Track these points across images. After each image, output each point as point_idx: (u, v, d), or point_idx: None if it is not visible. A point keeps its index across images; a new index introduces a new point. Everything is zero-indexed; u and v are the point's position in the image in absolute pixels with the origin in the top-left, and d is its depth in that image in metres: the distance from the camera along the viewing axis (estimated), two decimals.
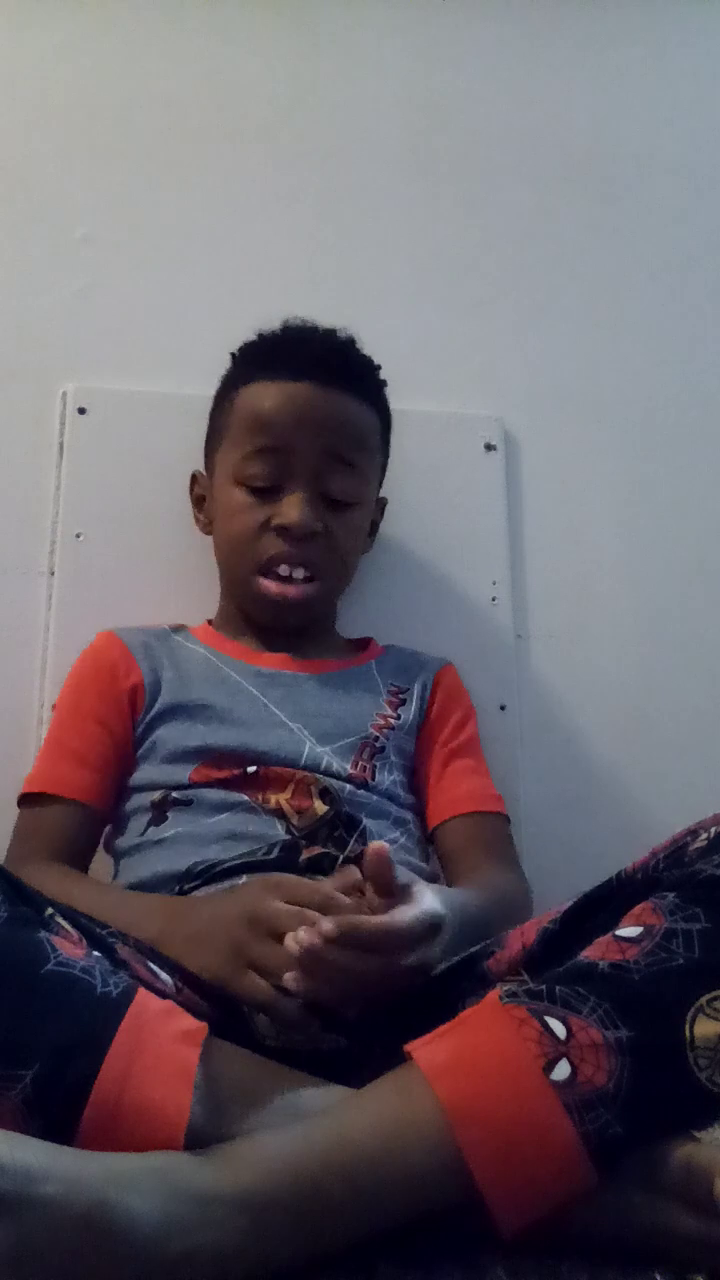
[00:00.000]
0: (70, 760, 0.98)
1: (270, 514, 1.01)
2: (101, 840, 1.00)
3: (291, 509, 1.00)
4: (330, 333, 1.07)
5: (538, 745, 1.20)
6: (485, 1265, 0.55)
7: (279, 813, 0.92)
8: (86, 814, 0.96)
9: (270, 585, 1.02)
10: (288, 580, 1.02)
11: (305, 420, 1.01)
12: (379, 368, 1.09)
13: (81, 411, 1.20)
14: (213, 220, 1.30)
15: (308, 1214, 0.53)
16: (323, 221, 1.33)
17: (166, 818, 0.94)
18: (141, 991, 0.61)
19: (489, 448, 1.28)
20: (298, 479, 1.01)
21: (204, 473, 1.12)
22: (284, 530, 1.00)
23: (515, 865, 1.01)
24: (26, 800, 0.97)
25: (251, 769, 0.94)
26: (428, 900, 0.70)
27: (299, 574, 1.02)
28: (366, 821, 0.93)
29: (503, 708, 1.19)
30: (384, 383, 1.10)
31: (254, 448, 1.02)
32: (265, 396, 1.02)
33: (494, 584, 1.24)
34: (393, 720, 1.03)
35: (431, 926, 0.70)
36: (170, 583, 1.16)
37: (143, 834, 0.94)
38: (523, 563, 1.26)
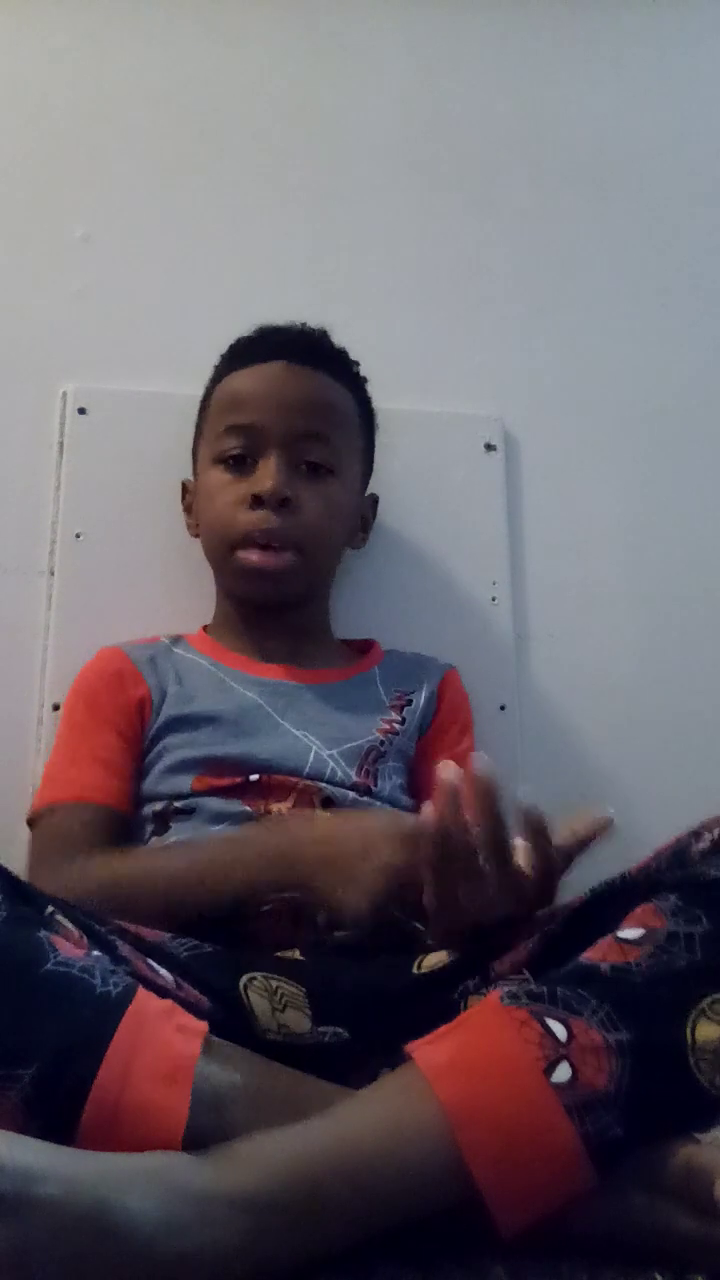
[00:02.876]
0: (96, 766, 0.97)
1: (247, 489, 1.02)
2: None
3: (265, 477, 1.01)
4: (303, 324, 1.10)
5: (538, 745, 1.20)
6: (485, 1265, 0.55)
7: None
8: (115, 818, 0.95)
9: (250, 555, 1.02)
10: (266, 548, 1.02)
11: (276, 393, 1.03)
12: (356, 363, 1.10)
13: (81, 411, 1.20)
14: (212, 220, 1.30)
15: (308, 1214, 0.53)
16: (323, 221, 1.32)
17: (169, 827, 0.93)
18: (141, 991, 0.61)
19: (489, 448, 1.28)
20: (271, 449, 1.02)
21: (191, 480, 1.13)
22: (259, 501, 1.01)
23: None
24: (52, 808, 0.95)
25: (254, 777, 0.94)
26: None
27: (276, 545, 1.02)
28: None
29: (503, 708, 1.19)
30: (360, 372, 1.11)
31: (227, 425, 1.04)
32: (238, 381, 1.06)
33: (494, 584, 1.24)
34: (396, 725, 1.03)
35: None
36: (170, 583, 1.16)
37: (146, 843, 0.94)
38: (523, 563, 1.26)
